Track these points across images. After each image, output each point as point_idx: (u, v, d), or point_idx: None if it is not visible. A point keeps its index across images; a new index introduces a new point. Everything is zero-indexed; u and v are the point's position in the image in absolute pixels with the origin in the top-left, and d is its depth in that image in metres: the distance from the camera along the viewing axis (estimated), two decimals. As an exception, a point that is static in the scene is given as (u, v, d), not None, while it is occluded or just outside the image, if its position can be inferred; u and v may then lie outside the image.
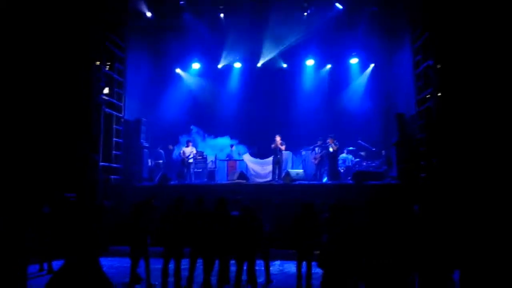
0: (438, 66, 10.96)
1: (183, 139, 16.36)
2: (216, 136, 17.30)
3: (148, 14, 14.70)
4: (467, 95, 10.19)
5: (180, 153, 15.14)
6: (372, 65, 17.18)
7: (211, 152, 16.32)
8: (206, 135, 17.38)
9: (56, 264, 8.14)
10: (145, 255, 7.66)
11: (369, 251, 4.81)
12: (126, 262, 7.88)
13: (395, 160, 13.55)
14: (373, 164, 14.85)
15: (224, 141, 17.07)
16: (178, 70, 18.09)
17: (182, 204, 7.68)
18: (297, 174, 13.60)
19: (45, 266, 8.88)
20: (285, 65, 18.09)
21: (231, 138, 17.09)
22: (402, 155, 12.92)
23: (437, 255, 4.90)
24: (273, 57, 17.60)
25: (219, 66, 18.11)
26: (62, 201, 9.95)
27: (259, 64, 17.96)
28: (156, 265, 7.66)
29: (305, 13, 15.18)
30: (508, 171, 9.30)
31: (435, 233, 5.19)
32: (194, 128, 17.21)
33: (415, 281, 4.90)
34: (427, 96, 11.74)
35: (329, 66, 17.78)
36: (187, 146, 15.09)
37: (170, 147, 16.06)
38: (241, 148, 16.54)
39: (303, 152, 15.50)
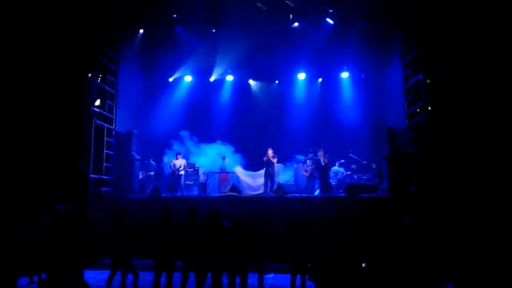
0: (428, 81, 11.12)
1: (175, 147, 16.43)
2: (209, 142, 17.27)
3: (141, 29, 14.75)
4: (457, 109, 10.35)
5: (170, 165, 15.06)
6: (362, 79, 17.33)
7: (204, 159, 16.35)
8: (197, 140, 17.29)
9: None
10: (123, 267, 7.66)
11: (361, 264, 4.84)
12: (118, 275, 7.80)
13: (385, 173, 13.64)
14: (364, 177, 14.92)
15: (217, 148, 17.06)
16: (170, 80, 18.06)
17: (170, 217, 7.63)
18: (289, 186, 13.62)
19: (35, 278, 8.74)
20: (276, 81, 18.23)
21: (224, 143, 17.13)
22: (392, 168, 13.02)
23: (428, 267, 4.93)
24: (264, 71, 17.72)
25: (211, 79, 18.17)
26: (52, 213, 9.83)
27: (250, 80, 18.10)
28: (148, 277, 7.60)
29: (296, 28, 15.33)
30: (498, 184, 9.42)
31: (425, 245, 5.23)
32: (185, 134, 17.15)
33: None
34: (417, 110, 11.89)
35: (320, 80, 17.92)
36: (177, 159, 15.03)
37: (152, 161, 16.03)
38: (233, 160, 16.50)
39: (295, 165, 15.53)
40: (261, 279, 8.00)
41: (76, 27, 11.52)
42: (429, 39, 11.08)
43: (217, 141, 17.22)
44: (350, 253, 4.79)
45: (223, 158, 16.19)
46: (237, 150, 17.07)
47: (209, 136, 17.50)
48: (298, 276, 7.48)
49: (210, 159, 16.76)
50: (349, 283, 4.64)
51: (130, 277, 7.78)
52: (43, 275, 8.38)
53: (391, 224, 6.99)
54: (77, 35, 11.57)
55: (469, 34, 10.23)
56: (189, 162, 15.71)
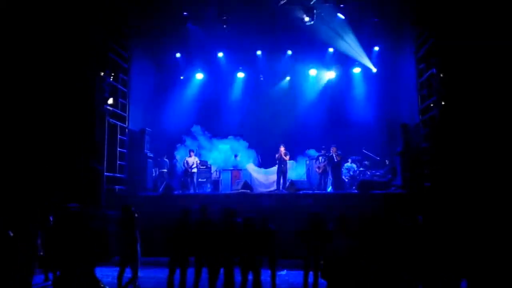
0: (441, 75, 10.97)
1: (188, 142, 16.60)
2: (221, 138, 17.36)
3: (152, 25, 14.75)
4: (471, 103, 10.19)
5: (183, 163, 15.12)
6: (374, 74, 17.17)
7: (217, 155, 16.47)
8: (210, 135, 17.42)
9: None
10: (132, 263, 7.71)
11: (374, 262, 4.80)
12: (128, 272, 7.86)
13: (399, 169, 13.51)
14: (378, 173, 14.80)
15: (229, 144, 17.18)
16: (182, 79, 18.14)
17: (188, 216, 7.68)
18: (301, 183, 13.59)
19: (51, 276, 8.87)
20: (288, 78, 18.17)
21: (236, 138, 17.31)
22: (406, 164, 12.90)
23: (442, 264, 4.87)
24: (276, 67, 17.70)
25: (223, 75, 18.19)
26: (66, 211, 9.94)
27: (261, 76, 18.10)
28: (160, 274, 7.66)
29: (308, 23, 15.24)
30: (513, 179, 9.27)
31: (439, 242, 5.17)
32: (197, 129, 17.25)
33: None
34: (431, 105, 11.74)
35: (332, 75, 17.79)
36: (190, 156, 15.07)
37: (165, 159, 16.15)
38: (245, 157, 16.52)
39: (307, 162, 15.49)
40: (274, 276, 7.99)
41: (85, 24, 11.60)
42: (443, 33, 10.93)
43: (229, 137, 17.27)
44: (362, 251, 4.74)
45: (235, 156, 16.20)
46: (250, 145, 17.11)
47: (221, 131, 17.62)
48: (311, 273, 7.46)
49: (223, 155, 16.80)
50: (360, 281, 4.60)
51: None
52: (58, 273, 8.51)
53: (404, 221, 6.92)
54: (87, 32, 11.65)
55: (483, 28, 10.06)
56: (202, 159, 15.76)
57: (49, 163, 11.18)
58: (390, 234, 5.34)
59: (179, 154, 16.51)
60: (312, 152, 15.87)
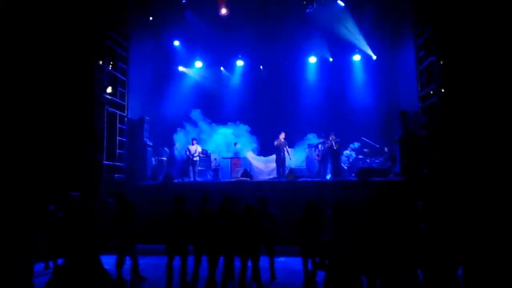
0: (441, 62, 10.94)
1: (188, 128, 16.59)
2: (221, 124, 17.42)
3: (150, 13, 14.66)
4: (470, 91, 10.18)
5: (185, 151, 15.13)
6: (374, 61, 17.13)
7: (218, 139, 16.53)
8: (210, 121, 17.47)
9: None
10: (130, 251, 7.79)
11: (372, 249, 4.83)
12: (128, 259, 7.96)
13: (398, 156, 13.54)
14: (377, 161, 14.83)
15: (229, 130, 17.21)
16: (181, 68, 18.10)
17: (183, 202, 7.68)
18: (300, 171, 13.61)
19: (51, 264, 8.94)
20: (287, 63, 18.11)
21: (235, 124, 17.38)
22: (405, 151, 12.91)
23: (440, 251, 4.90)
24: (276, 55, 17.65)
25: (222, 63, 18.16)
26: (67, 200, 9.99)
27: (261, 65, 18.06)
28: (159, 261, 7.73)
29: (308, 10, 15.16)
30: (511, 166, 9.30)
31: (438, 229, 5.19)
32: (197, 114, 17.28)
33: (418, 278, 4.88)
34: (430, 93, 11.72)
35: (332, 62, 17.75)
36: (192, 144, 15.07)
37: (165, 148, 16.19)
38: (246, 144, 16.53)
39: (306, 149, 15.51)
40: (272, 262, 8.07)
41: (83, 13, 11.53)
42: (443, 20, 10.87)
43: (229, 123, 17.32)
44: (360, 239, 4.76)
45: (235, 144, 16.22)
46: (252, 131, 17.18)
47: (220, 118, 17.63)
48: (310, 260, 7.52)
49: (223, 139, 16.79)
50: (358, 269, 4.64)
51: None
52: (58, 261, 8.58)
53: (404, 208, 6.95)
54: (85, 21, 11.59)
55: (484, 15, 10.01)
56: (203, 148, 15.78)
57: (48, 152, 11.20)
58: (391, 221, 5.35)
59: (178, 141, 16.49)
60: (311, 136, 15.95)
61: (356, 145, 15.38)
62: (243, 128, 17.22)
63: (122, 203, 7.97)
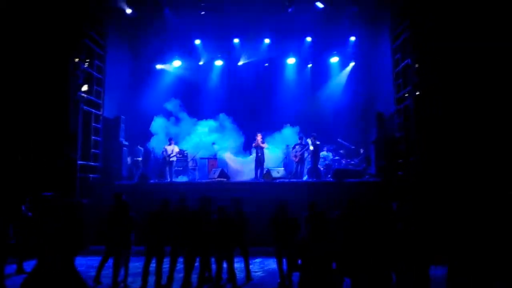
0: (416, 65, 11.14)
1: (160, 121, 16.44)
2: (200, 119, 17.36)
3: (128, 10, 14.40)
4: (445, 94, 10.39)
5: (162, 151, 14.97)
6: (352, 64, 17.31)
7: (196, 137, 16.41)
8: (187, 114, 17.38)
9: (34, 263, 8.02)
10: (119, 254, 7.56)
11: (347, 249, 4.88)
12: (109, 262, 7.82)
13: (373, 158, 13.72)
14: (352, 162, 14.99)
15: (206, 125, 17.17)
16: (158, 66, 17.92)
17: (168, 206, 7.64)
18: (278, 172, 13.66)
19: (25, 265, 8.73)
20: (266, 64, 18.15)
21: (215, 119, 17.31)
22: (380, 153, 13.10)
23: (414, 251, 4.97)
24: (254, 55, 17.67)
25: (200, 63, 18.08)
26: (39, 200, 9.79)
27: (240, 63, 18.04)
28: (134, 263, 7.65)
29: (287, 12, 15.22)
30: (486, 167, 9.53)
31: (413, 229, 5.27)
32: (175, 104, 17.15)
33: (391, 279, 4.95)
34: (406, 95, 11.91)
35: (309, 65, 17.88)
36: (170, 144, 14.92)
37: (140, 147, 16.02)
38: (223, 145, 16.47)
39: (284, 150, 15.57)
40: (247, 263, 8.07)
41: (59, 10, 11.31)
42: (418, 24, 11.08)
43: (208, 119, 17.30)
44: (333, 239, 4.81)
45: (213, 144, 16.14)
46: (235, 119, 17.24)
47: (198, 115, 17.57)
48: (284, 259, 7.56)
49: (199, 141, 16.69)
50: (331, 269, 4.68)
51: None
52: (31, 262, 8.39)
53: (378, 208, 7.05)
54: (61, 18, 11.36)
55: (459, 18, 10.23)
56: (180, 148, 15.65)
57: (21, 151, 10.95)
58: (366, 222, 5.41)
59: (154, 138, 16.33)
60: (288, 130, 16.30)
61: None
62: (227, 119, 17.20)
63: (120, 203, 7.76)
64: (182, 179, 14.85)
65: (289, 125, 16.42)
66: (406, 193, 10.61)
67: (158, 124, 16.61)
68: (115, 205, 7.81)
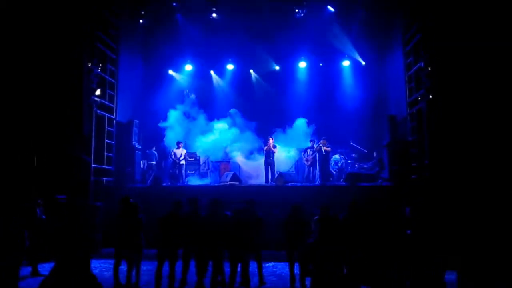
0: (429, 69, 11.06)
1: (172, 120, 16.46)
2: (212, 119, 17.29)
3: (141, 15, 14.56)
4: (458, 97, 10.29)
5: (170, 155, 15.04)
6: (363, 66, 17.25)
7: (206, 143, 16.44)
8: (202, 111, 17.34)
9: (49, 266, 8.10)
10: (131, 257, 7.57)
11: (359, 253, 4.85)
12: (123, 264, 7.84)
13: (386, 162, 13.64)
14: (365, 166, 14.92)
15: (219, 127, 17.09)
16: (171, 72, 18.03)
17: (180, 208, 7.66)
18: (290, 175, 13.64)
19: (40, 268, 8.81)
20: (277, 67, 18.15)
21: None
22: (393, 157, 13.02)
23: (427, 257, 4.93)
24: (266, 59, 17.70)
25: (212, 67, 18.15)
26: (54, 203, 9.89)
27: (251, 70, 18.14)
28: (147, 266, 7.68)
29: (298, 15, 15.24)
30: (500, 172, 9.41)
31: (427, 235, 5.23)
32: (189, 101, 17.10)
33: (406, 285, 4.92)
34: (418, 98, 11.85)
35: (321, 67, 17.84)
36: (178, 148, 14.98)
37: (154, 151, 16.07)
38: (235, 149, 16.47)
39: (296, 154, 15.56)
40: (260, 268, 8.06)
41: (73, 14, 11.43)
42: (431, 27, 11.00)
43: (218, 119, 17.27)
44: (347, 244, 4.79)
45: (225, 147, 16.17)
46: (248, 118, 17.13)
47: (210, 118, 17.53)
48: (297, 264, 7.54)
49: (212, 144, 16.70)
50: (342, 275, 4.65)
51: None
52: (46, 265, 8.49)
53: (392, 213, 7.00)
54: (74, 23, 11.48)
55: (473, 21, 10.14)
56: (191, 151, 15.69)
57: (36, 155, 11.07)
58: (378, 226, 5.39)
59: (166, 139, 16.36)
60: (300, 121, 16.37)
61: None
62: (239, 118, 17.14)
63: (129, 206, 7.77)
64: (194, 182, 14.89)
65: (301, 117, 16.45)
66: (419, 197, 10.51)
67: (173, 116, 16.55)
68: (123, 208, 7.84)
